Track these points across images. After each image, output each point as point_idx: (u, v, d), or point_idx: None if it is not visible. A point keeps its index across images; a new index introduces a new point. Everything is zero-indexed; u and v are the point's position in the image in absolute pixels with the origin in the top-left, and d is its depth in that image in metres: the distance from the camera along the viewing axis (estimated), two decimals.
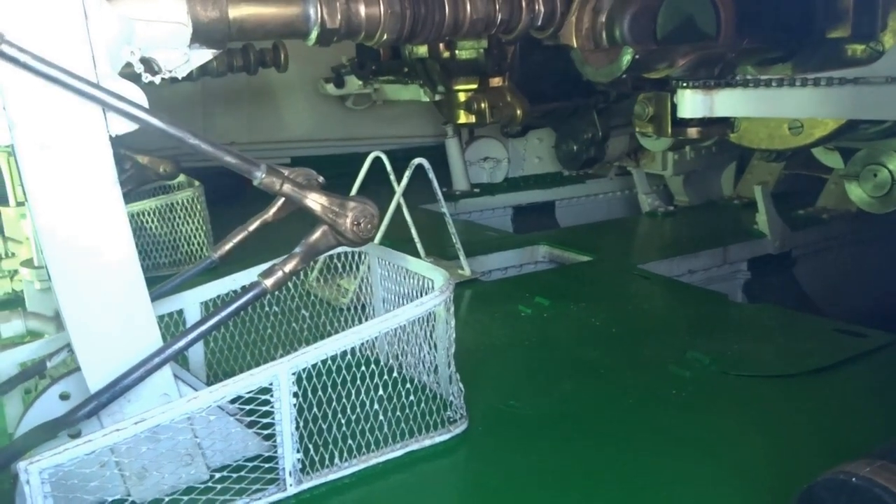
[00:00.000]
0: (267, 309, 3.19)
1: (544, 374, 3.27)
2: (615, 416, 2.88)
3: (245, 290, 2.34)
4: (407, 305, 2.55)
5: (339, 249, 3.08)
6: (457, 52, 5.12)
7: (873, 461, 1.85)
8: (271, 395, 2.26)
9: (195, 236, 4.71)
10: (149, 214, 4.65)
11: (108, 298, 2.20)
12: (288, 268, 2.37)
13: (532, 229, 6.85)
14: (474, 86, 5.39)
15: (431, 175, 4.33)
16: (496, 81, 5.47)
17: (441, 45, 5.19)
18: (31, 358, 2.73)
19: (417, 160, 4.30)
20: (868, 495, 1.76)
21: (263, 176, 2.28)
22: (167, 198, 4.70)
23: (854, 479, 1.79)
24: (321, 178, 2.60)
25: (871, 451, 1.94)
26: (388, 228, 4.59)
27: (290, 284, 3.22)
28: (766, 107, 3.43)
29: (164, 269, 4.64)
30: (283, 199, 2.55)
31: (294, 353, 2.30)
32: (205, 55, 2.46)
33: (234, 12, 2.38)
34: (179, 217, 4.70)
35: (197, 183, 4.87)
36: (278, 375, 2.25)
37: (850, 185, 4.80)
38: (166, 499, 2.24)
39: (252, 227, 2.85)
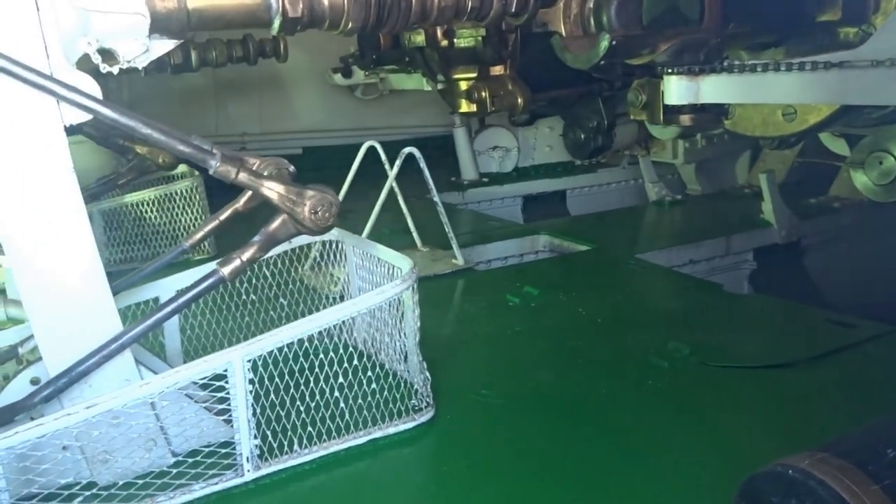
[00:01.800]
0: (245, 297, 3.22)
1: (522, 364, 3.26)
2: (586, 406, 2.86)
3: (203, 278, 2.36)
4: (367, 293, 2.56)
5: (308, 239, 3.15)
6: (455, 40, 5.10)
7: (815, 454, 1.81)
8: (226, 382, 2.29)
9: (194, 226, 4.76)
10: (148, 204, 4.72)
11: (66, 285, 2.24)
12: (246, 256, 2.39)
13: (542, 219, 6.82)
14: (473, 74, 5.36)
15: (423, 164, 4.32)
16: (497, 70, 5.43)
17: (439, 34, 5.17)
18: (9, 344, 2.78)
19: (408, 149, 4.31)
20: (803, 488, 1.73)
21: (218, 164, 2.29)
22: (166, 188, 4.76)
23: (791, 471, 1.76)
24: (292, 168, 2.60)
25: (821, 444, 1.90)
26: (390, 218, 4.63)
27: (267, 273, 3.26)
28: (753, 92, 3.38)
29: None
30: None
31: (249, 341, 2.32)
32: (166, 45, 2.47)
33: (193, 3, 2.38)
34: (178, 207, 4.76)
35: (196, 173, 4.93)
36: (232, 362, 2.27)
37: (856, 172, 4.69)
38: (121, 482, 2.27)
39: (223, 217, 2.91)
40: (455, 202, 6.97)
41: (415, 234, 4.80)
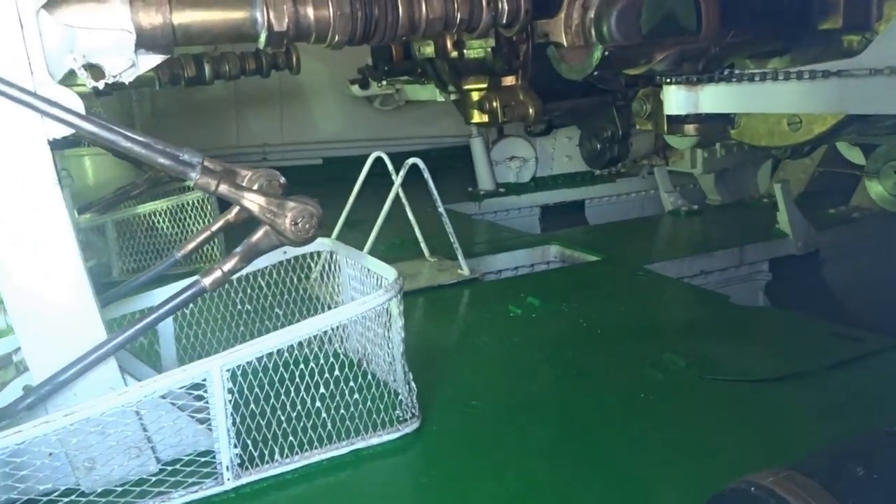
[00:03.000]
0: (240, 307, 3.26)
1: (515, 375, 3.24)
2: (575, 418, 2.84)
3: (184, 289, 2.40)
4: (349, 304, 2.57)
5: (303, 250, 3.17)
6: (465, 51, 5.11)
7: (781, 472, 1.77)
8: (205, 391, 2.32)
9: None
10: (160, 215, 4.81)
11: (51, 296, 2.29)
12: (227, 267, 2.42)
13: (560, 230, 6.79)
14: (484, 85, 5.36)
15: (426, 175, 4.34)
16: (509, 80, 5.42)
17: (449, 45, 5.18)
18: (6, 351, 2.84)
19: (412, 160, 4.33)
20: None
21: (198, 177, 2.33)
22: (178, 198, 4.84)
23: (753, 488, 1.73)
24: (283, 180, 2.63)
25: (791, 461, 1.86)
26: (402, 228, 4.69)
27: (262, 283, 3.29)
28: (751, 102, 3.34)
29: (175, 268, 4.76)
30: None
31: (228, 350, 2.35)
32: (153, 60, 2.52)
33: (179, 18, 2.43)
34: (190, 217, 4.84)
35: None
36: (210, 372, 2.30)
37: (871, 182, 4.59)
38: (99, 489, 2.31)
39: (215, 228, 2.93)
40: (471, 212, 6.98)
41: (423, 245, 4.82)
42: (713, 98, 3.38)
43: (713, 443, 2.61)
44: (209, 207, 4.90)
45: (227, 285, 3.21)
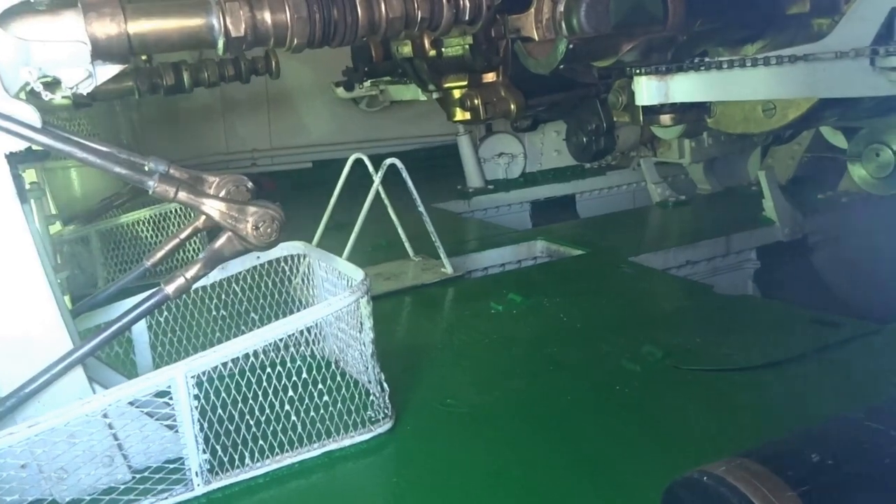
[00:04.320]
0: (215, 313, 3.27)
1: (492, 372, 3.24)
2: (550, 414, 2.83)
3: (148, 296, 2.41)
4: (315, 306, 2.57)
5: (279, 252, 3.18)
6: (443, 49, 5.10)
7: (735, 460, 1.77)
8: (170, 398, 2.32)
9: (189, 244, 4.83)
10: (144, 224, 4.81)
11: (14, 308, 2.30)
12: (190, 274, 2.43)
13: (551, 224, 6.78)
14: (464, 83, 5.35)
15: (405, 175, 4.34)
16: (489, 77, 5.41)
17: (426, 44, 5.17)
18: None
19: (389, 160, 4.33)
20: (714, 495, 1.69)
21: (155, 185, 2.34)
22: (161, 207, 4.84)
23: (705, 477, 1.72)
24: (250, 185, 2.64)
25: (746, 449, 1.86)
26: (388, 229, 4.70)
27: (237, 288, 3.30)
28: (721, 89, 3.32)
29: (160, 277, 4.78)
30: None
31: (193, 357, 2.35)
32: (111, 70, 2.52)
33: (134, 28, 2.43)
34: (173, 225, 4.85)
35: None
36: (175, 378, 2.30)
37: (854, 165, 4.56)
38: (68, 498, 2.32)
39: (183, 235, 2.96)
40: (461, 210, 6.98)
41: (406, 244, 4.82)
42: (683, 87, 3.37)
43: (686, 432, 2.61)
44: (192, 215, 4.89)
45: (202, 292, 3.24)
